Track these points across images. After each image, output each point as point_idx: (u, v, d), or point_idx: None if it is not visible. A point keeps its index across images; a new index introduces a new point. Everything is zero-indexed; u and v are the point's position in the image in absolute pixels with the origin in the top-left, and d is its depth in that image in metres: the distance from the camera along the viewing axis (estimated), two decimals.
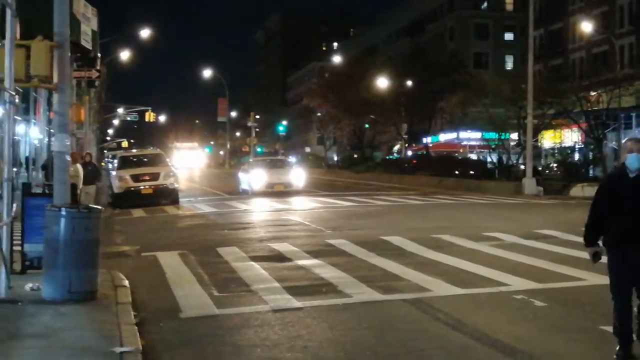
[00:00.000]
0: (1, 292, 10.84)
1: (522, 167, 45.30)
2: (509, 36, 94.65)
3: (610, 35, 62.75)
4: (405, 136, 74.48)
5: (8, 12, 11.01)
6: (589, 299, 11.34)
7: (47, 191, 13.57)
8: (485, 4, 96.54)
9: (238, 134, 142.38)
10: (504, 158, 52.16)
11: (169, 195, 34.09)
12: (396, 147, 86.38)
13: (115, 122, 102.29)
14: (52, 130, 32.70)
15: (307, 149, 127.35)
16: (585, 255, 15.29)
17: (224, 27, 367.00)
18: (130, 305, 10.94)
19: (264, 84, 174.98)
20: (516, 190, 38.21)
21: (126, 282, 12.70)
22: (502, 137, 52.73)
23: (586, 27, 60.27)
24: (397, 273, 13.69)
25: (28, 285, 11.60)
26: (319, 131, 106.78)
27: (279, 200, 34.30)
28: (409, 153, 75.64)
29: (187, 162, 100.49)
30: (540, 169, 48.05)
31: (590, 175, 46.24)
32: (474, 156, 66.86)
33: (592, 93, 47.64)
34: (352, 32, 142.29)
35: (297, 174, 41.05)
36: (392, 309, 10.92)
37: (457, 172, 49.76)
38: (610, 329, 9.23)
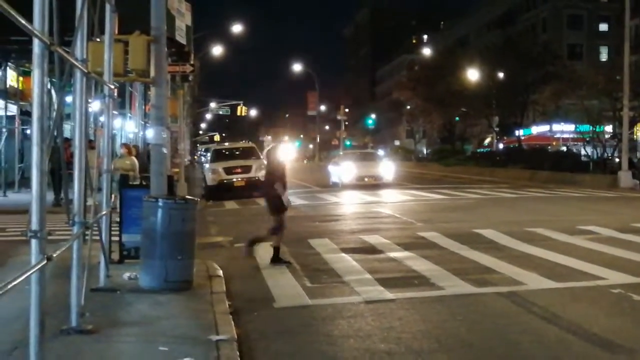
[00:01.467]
0: (101, 281, 11.12)
1: (618, 160, 44.28)
2: (603, 27, 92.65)
3: None
4: (497, 129, 73.59)
5: (107, 8, 11.27)
6: None
7: (143, 183, 13.87)
8: None
9: (327, 127, 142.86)
10: (599, 151, 51.10)
11: (261, 188, 34.36)
12: (487, 140, 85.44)
13: (208, 116, 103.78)
14: (147, 124, 33.38)
15: (396, 142, 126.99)
16: None
17: (314, 21, 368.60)
18: (225, 295, 11.09)
19: (354, 77, 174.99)
20: (611, 183, 37.39)
21: (220, 272, 12.89)
22: (597, 130, 51.69)
23: None
24: (490, 266, 13.55)
25: (126, 275, 11.91)
26: (409, 124, 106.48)
27: (369, 192, 34.29)
28: (500, 146, 74.69)
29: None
30: (636, 161, 46.85)
31: None
32: (567, 149, 65.63)
33: None
34: (442, 25, 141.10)
35: (387, 167, 40.98)
36: (485, 302, 10.82)
37: (550, 165, 48.86)
38: None
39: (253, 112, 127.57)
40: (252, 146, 40.86)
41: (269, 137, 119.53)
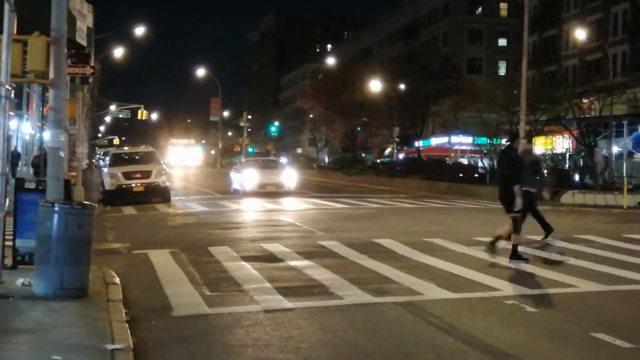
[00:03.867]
0: None
1: None
2: (502, 42, 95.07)
3: (603, 43, 62.98)
4: (397, 139, 74.51)
5: (6, 7, 10.98)
6: (580, 305, 11.38)
7: (40, 187, 13.54)
8: (480, 9, 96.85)
9: (230, 133, 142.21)
10: (496, 163, 52.16)
11: (161, 194, 34.07)
12: (388, 150, 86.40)
13: (107, 119, 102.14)
14: (45, 126, 32.63)
15: (299, 150, 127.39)
16: (577, 261, 15.44)
17: (219, 27, 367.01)
18: (122, 303, 10.92)
19: (257, 84, 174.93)
20: None
21: (117, 280, 12.67)
22: (494, 143, 52.76)
23: (580, 34, 60.57)
24: (388, 276, 13.69)
25: (19, 281, 11.58)
26: (311, 132, 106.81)
27: (270, 200, 34.30)
28: (401, 156, 75.64)
29: (183, 159, 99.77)
30: None
31: (581, 182, 46.29)
32: (465, 161, 66.89)
33: (585, 100, 47.66)
34: (346, 35, 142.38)
35: (289, 175, 41.09)
36: (383, 312, 10.92)
37: (448, 177, 49.75)
38: (601, 336, 9.31)
39: (154, 116, 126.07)
40: (153, 151, 40.38)
41: (179, 140, 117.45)
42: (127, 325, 9.56)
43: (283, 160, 62.40)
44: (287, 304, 11.27)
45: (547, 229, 18.93)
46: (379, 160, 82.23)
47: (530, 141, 44.78)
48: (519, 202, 15.41)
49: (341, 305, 11.24)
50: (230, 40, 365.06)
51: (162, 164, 36.84)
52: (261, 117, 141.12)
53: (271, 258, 15.93)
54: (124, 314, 10.19)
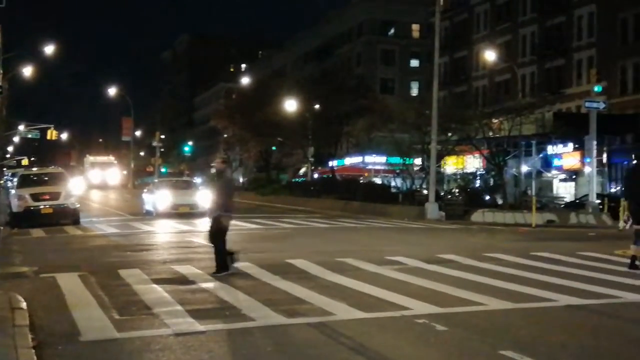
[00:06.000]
0: None
1: (425, 192, 45.91)
2: (414, 63, 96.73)
3: (512, 64, 64.55)
4: (312, 159, 74.81)
5: None
6: (489, 323, 11.52)
7: None
8: (392, 31, 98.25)
9: (142, 153, 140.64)
10: (408, 183, 52.83)
11: (70, 215, 33.44)
12: (302, 170, 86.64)
13: (16, 139, 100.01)
14: None
15: (213, 170, 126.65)
16: (486, 280, 15.69)
17: (133, 45, 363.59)
18: (28, 328, 10.62)
19: (171, 103, 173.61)
20: (419, 214, 38.68)
21: (24, 304, 12.35)
22: (407, 162, 53.42)
23: (489, 55, 61.97)
24: (301, 296, 13.67)
25: None
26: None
27: (183, 221, 34.01)
28: (315, 176, 75.92)
29: (102, 178, 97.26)
30: (442, 194, 48.76)
31: (491, 201, 47.18)
32: (378, 180, 67.49)
33: (494, 120, 48.68)
34: (261, 54, 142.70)
35: (203, 196, 40.78)
36: (296, 333, 10.88)
37: (361, 196, 50.12)
38: (509, 353, 9.45)
39: (65, 136, 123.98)
40: (62, 172, 39.53)
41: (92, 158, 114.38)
42: (34, 351, 9.33)
43: (197, 180, 61.86)
44: (198, 326, 11.13)
45: (222, 266, 16.81)
46: (293, 180, 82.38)
47: (440, 160, 45.48)
48: None
49: (253, 327, 11.16)
50: (144, 59, 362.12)
51: (72, 185, 36.17)
52: (175, 136, 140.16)
53: (183, 280, 15.75)
54: (30, 340, 9.93)
